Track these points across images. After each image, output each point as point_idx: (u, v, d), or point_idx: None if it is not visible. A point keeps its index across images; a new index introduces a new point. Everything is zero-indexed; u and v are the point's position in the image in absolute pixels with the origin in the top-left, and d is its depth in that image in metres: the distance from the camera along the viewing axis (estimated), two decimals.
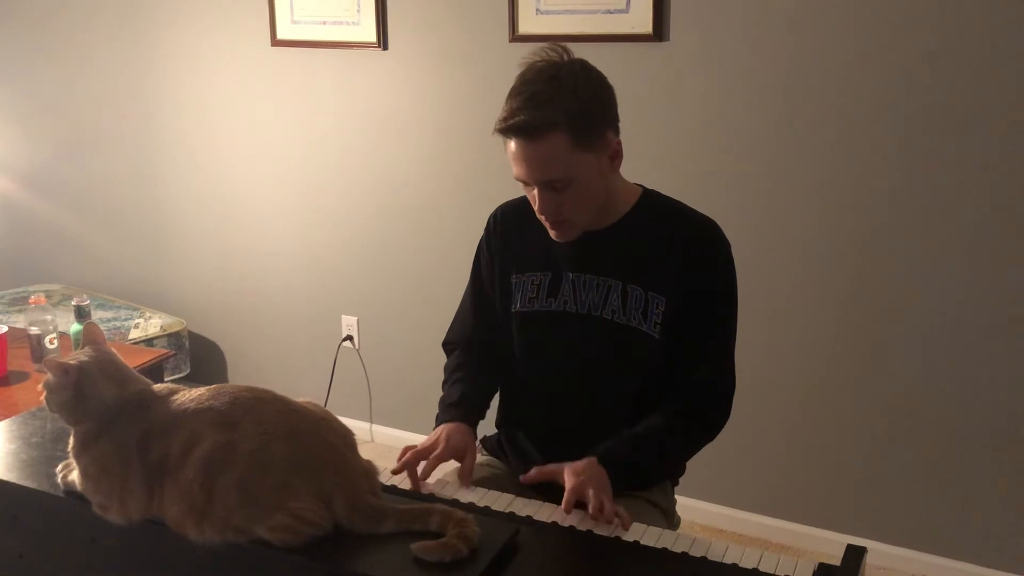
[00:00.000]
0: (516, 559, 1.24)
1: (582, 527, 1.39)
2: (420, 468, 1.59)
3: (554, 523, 1.40)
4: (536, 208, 1.62)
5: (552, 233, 1.65)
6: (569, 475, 1.50)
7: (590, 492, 1.44)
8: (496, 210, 1.84)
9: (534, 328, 1.74)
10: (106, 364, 1.35)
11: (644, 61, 2.67)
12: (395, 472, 1.56)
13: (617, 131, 1.62)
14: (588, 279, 1.68)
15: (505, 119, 1.55)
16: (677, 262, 1.64)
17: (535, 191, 1.59)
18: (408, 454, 1.60)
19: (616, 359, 1.68)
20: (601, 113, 1.58)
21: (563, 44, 1.60)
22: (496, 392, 1.87)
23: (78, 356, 1.36)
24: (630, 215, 1.68)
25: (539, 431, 1.76)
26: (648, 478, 1.74)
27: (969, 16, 2.32)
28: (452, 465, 1.67)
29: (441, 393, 1.82)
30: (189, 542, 1.24)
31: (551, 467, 1.56)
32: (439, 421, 1.74)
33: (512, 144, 1.56)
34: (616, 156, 1.62)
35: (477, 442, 1.76)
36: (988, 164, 2.38)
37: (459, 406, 1.75)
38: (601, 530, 1.39)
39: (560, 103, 1.51)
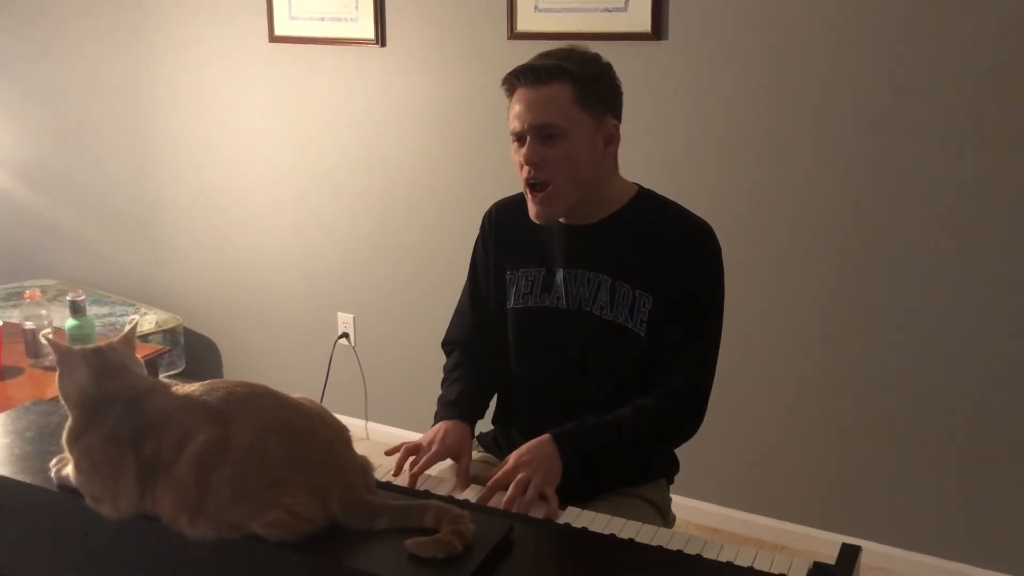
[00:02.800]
0: (510, 556, 1.24)
1: (576, 524, 1.39)
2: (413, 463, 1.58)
3: (548, 520, 1.40)
4: (520, 160, 1.62)
5: (532, 211, 1.64)
6: (512, 458, 1.52)
7: (518, 478, 1.46)
8: (491, 208, 1.85)
9: (528, 324, 1.74)
10: (95, 356, 1.34)
11: (642, 60, 2.67)
12: (396, 475, 1.55)
13: (617, 120, 1.65)
14: (580, 274, 1.69)
15: (515, 68, 1.61)
16: (665, 261, 1.64)
17: (524, 149, 1.60)
18: (403, 453, 1.60)
19: (604, 355, 1.68)
20: (607, 90, 1.64)
21: (582, 44, 1.68)
22: (496, 391, 1.86)
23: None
24: (623, 211, 1.69)
25: (533, 427, 1.74)
26: (604, 467, 1.68)
27: (966, 20, 2.32)
28: (447, 462, 1.67)
29: (439, 392, 1.82)
30: (183, 537, 1.23)
31: (502, 464, 1.55)
32: (437, 419, 1.73)
33: (515, 95, 1.61)
34: (611, 141, 1.64)
35: (474, 439, 1.76)
36: (986, 165, 2.38)
37: (457, 404, 1.74)
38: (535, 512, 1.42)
39: (572, 62, 1.59)
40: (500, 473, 1.50)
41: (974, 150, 2.39)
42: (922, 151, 2.44)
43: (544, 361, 1.74)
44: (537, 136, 1.59)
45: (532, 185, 1.62)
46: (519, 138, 1.62)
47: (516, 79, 1.61)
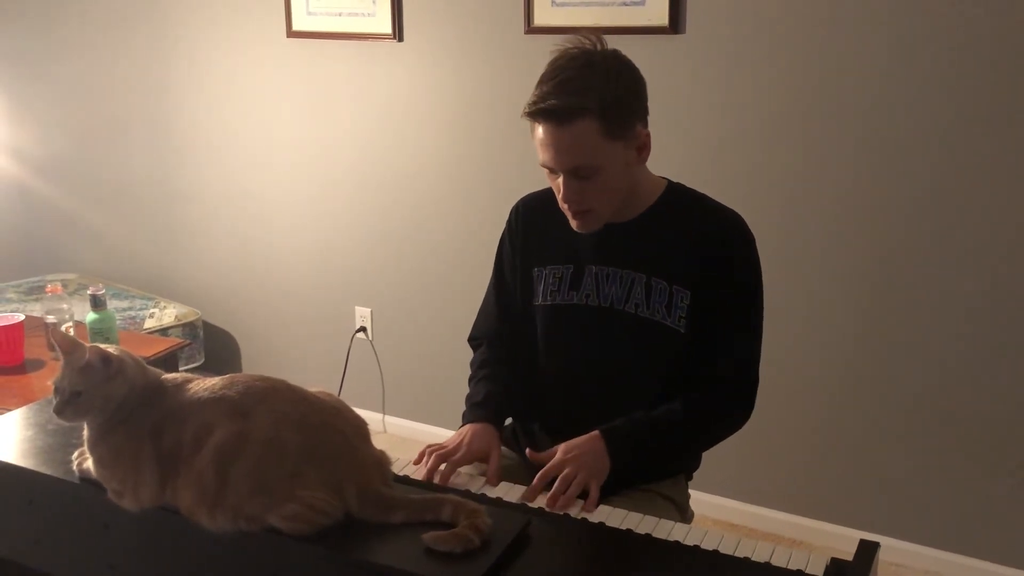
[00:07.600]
0: (527, 550, 1.24)
1: (594, 519, 1.39)
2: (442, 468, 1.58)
3: (566, 515, 1.40)
4: (559, 196, 1.60)
5: (573, 223, 1.64)
6: (560, 452, 1.52)
7: (564, 473, 1.46)
8: (518, 203, 1.83)
9: (555, 321, 1.73)
10: (125, 356, 1.35)
11: (660, 54, 2.66)
12: (425, 479, 1.54)
13: (646, 124, 1.61)
14: (611, 272, 1.67)
15: (535, 103, 1.52)
16: (700, 255, 1.63)
17: (559, 179, 1.58)
18: (432, 458, 1.57)
19: (639, 353, 1.67)
20: (633, 104, 1.57)
21: (597, 33, 1.58)
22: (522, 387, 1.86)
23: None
24: (654, 208, 1.67)
25: (556, 424, 1.74)
26: (654, 463, 1.68)
27: (1000, 13, 2.29)
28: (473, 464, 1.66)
29: (466, 390, 1.81)
30: (202, 529, 1.24)
31: (548, 452, 1.56)
32: (465, 420, 1.73)
33: (540, 129, 1.54)
34: (644, 148, 1.61)
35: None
36: (1018, 162, 2.36)
37: (484, 405, 1.74)
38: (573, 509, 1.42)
39: (593, 90, 1.50)
40: (547, 467, 1.49)
41: (992, 142, 2.36)
42: (953, 145, 2.41)
43: (572, 359, 1.73)
44: (570, 176, 1.56)
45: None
46: (552, 170, 1.59)
47: (537, 118, 1.54)
